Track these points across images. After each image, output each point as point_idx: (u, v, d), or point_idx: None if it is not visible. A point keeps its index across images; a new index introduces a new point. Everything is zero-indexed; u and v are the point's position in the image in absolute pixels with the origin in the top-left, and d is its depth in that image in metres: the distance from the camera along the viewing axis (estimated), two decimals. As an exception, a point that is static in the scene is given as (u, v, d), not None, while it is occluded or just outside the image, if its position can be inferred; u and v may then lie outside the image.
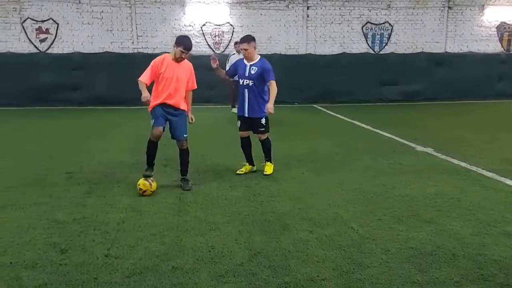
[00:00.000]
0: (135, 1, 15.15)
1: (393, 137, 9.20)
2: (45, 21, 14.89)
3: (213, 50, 15.67)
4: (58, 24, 14.94)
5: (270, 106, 5.95)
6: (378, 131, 10.00)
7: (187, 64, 5.61)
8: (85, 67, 14.73)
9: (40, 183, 5.83)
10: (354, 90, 16.08)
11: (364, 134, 9.87)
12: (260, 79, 5.97)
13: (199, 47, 15.38)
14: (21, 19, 14.77)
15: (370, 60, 16.32)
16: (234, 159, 6.80)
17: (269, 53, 15.85)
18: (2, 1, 14.55)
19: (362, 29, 16.50)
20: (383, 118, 12.02)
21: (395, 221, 4.49)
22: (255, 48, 6.02)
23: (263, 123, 6.17)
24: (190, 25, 15.57)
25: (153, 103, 5.48)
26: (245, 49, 5.98)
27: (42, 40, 14.96)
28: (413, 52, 16.65)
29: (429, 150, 7.85)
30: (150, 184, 5.35)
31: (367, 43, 16.60)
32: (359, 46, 16.55)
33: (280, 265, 3.52)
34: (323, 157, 7.41)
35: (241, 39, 6.13)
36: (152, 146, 5.53)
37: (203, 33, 15.65)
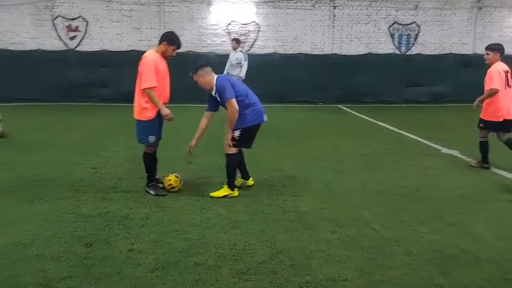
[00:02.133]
0: (163, 0, 15.35)
1: (418, 138, 9.07)
2: (75, 19, 15.22)
3: (238, 49, 15.74)
4: (87, 22, 15.26)
5: (227, 137, 5.16)
6: (403, 132, 9.87)
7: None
8: (113, 65, 14.98)
9: (67, 178, 5.97)
10: (379, 90, 15.91)
11: (389, 135, 9.75)
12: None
13: (225, 46, 15.45)
14: (52, 16, 15.14)
15: (396, 61, 16.12)
16: (257, 157, 6.81)
17: (295, 52, 15.86)
18: (34, -1, 14.98)
19: (389, 30, 16.30)
20: (409, 120, 11.86)
21: (418, 223, 4.43)
22: (204, 76, 5.12)
23: (235, 136, 5.16)
24: (216, 24, 15.68)
25: (154, 109, 5.12)
26: (196, 82, 5.24)
27: (72, 38, 15.31)
28: (440, 53, 16.35)
29: (455, 152, 7.72)
30: (180, 181, 5.42)
31: (394, 43, 16.39)
32: (385, 47, 16.35)
33: (301, 264, 3.52)
34: (347, 158, 7.36)
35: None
36: (153, 159, 5.42)
37: (229, 32, 15.73)
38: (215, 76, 5.17)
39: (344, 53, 16.10)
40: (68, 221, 4.41)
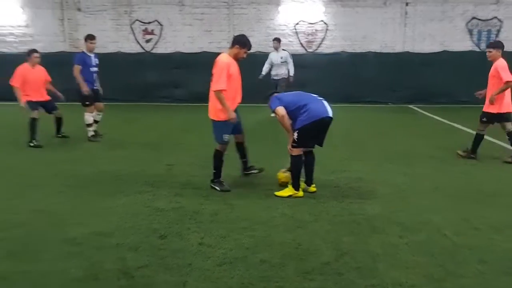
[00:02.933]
0: (233, 2, 15.70)
1: (497, 142, 8.57)
2: (151, 22, 16.00)
3: (305, 49, 15.72)
4: (162, 25, 15.97)
5: (289, 141, 5.34)
6: (480, 135, 9.35)
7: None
8: (185, 66, 15.55)
9: (144, 173, 6.35)
10: (454, 90, 15.12)
11: (464, 137, 9.29)
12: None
13: (292, 46, 15.49)
14: (130, 21, 16.02)
15: (474, 59, 15.19)
16: (324, 159, 6.78)
17: (363, 51, 15.53)
18: (115, 5, 15.91)
19: (467, 26, 15.46)
20: (487, 121, 11.18)
21: (493, 231, 4.23)
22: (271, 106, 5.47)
23: (295, 137, 5.22)
24: (284, 24, 15.76)
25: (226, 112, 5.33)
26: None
27: (147, 41, 16.10)
28: (525, 50, 15.24)
29: (539, 157, 7.21)
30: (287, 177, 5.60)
31: (472, 40, 15.53)
32: (462, 44, 15.51)
33: (367, 267, 3.51)
34: (417, 160, 7.14)
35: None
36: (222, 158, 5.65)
37: (296, 32, 15.75)
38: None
39: (416, 51, 15.52)
40: (144, 214, 4.71)
